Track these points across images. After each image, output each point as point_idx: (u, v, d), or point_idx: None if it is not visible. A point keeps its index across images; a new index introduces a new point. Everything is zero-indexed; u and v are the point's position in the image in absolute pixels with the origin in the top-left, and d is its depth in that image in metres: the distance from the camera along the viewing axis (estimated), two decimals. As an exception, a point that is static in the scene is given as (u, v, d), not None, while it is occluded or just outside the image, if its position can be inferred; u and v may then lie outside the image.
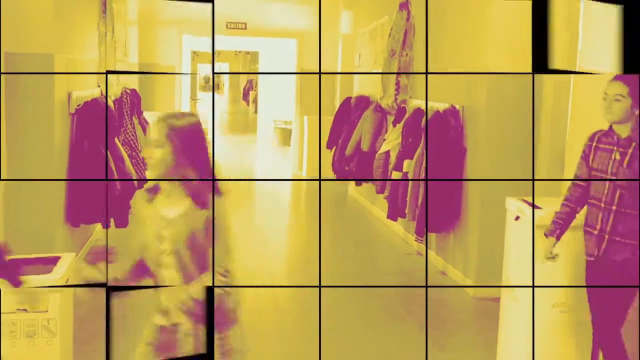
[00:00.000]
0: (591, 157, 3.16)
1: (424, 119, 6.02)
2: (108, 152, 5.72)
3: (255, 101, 21.84)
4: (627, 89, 2.98)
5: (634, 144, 2.99)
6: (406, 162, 6.23)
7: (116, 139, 6.18)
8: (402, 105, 6.95)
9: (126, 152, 7.26)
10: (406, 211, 6.16)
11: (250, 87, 25.84)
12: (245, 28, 10.64)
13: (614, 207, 3.02)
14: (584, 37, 4.56)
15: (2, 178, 4.43)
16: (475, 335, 4.71)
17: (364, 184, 8.09)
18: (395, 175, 6.38)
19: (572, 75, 5.19)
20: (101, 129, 5.61)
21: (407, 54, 7.05)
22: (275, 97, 15.64)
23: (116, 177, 5.74)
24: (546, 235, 3.42)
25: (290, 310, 5.16)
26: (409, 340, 4.49)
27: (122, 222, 6.00)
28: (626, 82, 2.99)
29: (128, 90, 7.93)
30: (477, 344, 4.52)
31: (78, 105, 5.46)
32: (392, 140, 6.81)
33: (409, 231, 6.75)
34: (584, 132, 3.95)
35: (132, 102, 7.83)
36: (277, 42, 13.25)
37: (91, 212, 5.46)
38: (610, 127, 3.12)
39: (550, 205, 3.86)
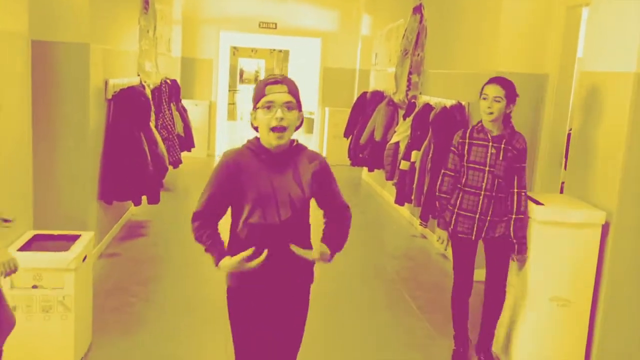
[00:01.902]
0: (466, 152, 3.17)
1: (432, 113, 5.53)
2: (142, 135, 5.33)
3: (285, 93, 21.29)
4: (504, 92, 3.09)
5: (504, 140, 3.11)
6: (414, 153, 5.75)
7: (151, 124, 5.76)
8: (413, 100, 6.45)
9: (162, 135, 6.88)
10: (412, 197, 5.70)
11: (282, 81, 25.29)
12: (276, 27, 10.17)
13: (494, 194, 3.13)
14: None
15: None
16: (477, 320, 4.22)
17: (376, 171, 7.62)
18: (404, 164, 5.91)
19: (573, 75, 4.69)
20: (135, 114, 5.20)
21: (418, 54, 6.53)
22: (302, 90, 15.17)
23: (149, 158, 5.33)
24: (439, 227, 3.39)
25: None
26: (410, 324, 4.03)
27: (154, 199, 5.61)
28: (502, 86, 3.10)
29: (168, 81, 7.53)
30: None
31: (115, 92, 5.05)
32: (402, 132, 6.33)
33: (415, 215, 6.28)
34: (584, 129, 3.47)
35: (171, 91, 7.43)
36: (305, 41, 12.75)
37: (124, 190, 5.07)
38: (481, 125, 3.17)
39: (552, 202, 3.39)
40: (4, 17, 2.95)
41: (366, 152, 7.49)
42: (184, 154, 7.76)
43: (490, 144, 3.12)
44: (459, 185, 3.21)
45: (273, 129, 2.08)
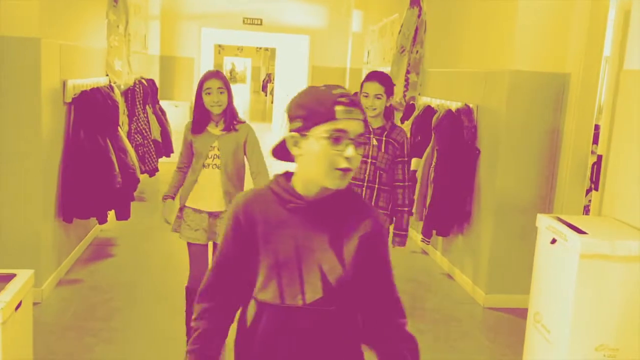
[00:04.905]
0: None
1: (434, 117, 4.91)
2: (109, 143, 4.67)
3: (272, 93, 20.71)
4: (383, 88, 3.15)
5: (385, 132, 3.15)
6: (414, 161, 5.12)
7: (121, 130, 5.09)
8: (411, 102, 5.83)
9: (136, 141, 6.22)
10: (413, 210, 5.08)
11: (268, 79, 24.64)
12: (261, 24, 9.51)
13: (376, 186, 3.14)
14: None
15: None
16: (486, 352, 3.61)
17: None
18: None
19: (599, 74, 4.10)
20: (100, 119, 4.54)
21: (417, 51, 5.91)
22: (289, 89, 14.56)
23: (116, 169, 4.66)
24: None
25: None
26: None
27: (124, 215, 4.95)
28: (381, 83, 3.15)
29: (144, 81, 6.85)
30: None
31: (75, 95, 4.38)
32: (399, 137, 5.70)
33: (417, 229, 5.65)
34: (627, 137, 2.86)
35: (146, 91, 6.75)
36: (292, 39, 12.08)
37: (86, 206, 4.39)
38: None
39: (591, 227, 2.78)
40: None
41: (359, 158, 6.88)
42: (163, 160, 7.10)
43: (372, 136, 3.16)
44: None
45: (338, 169, 1.33)
